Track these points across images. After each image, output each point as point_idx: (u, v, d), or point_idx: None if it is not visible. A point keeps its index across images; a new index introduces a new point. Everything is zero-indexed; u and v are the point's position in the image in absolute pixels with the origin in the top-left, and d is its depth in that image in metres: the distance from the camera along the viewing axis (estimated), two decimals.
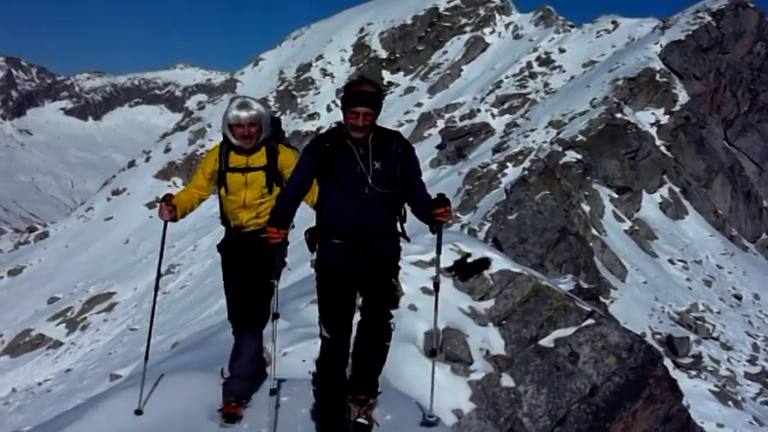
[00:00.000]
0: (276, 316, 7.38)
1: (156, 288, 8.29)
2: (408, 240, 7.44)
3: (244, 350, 7.78)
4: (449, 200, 6.97)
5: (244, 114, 7.46)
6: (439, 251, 7.74)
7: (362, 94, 6.85)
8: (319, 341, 7.18)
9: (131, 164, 76.07)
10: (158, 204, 7.83)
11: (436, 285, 7.65)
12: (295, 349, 10.30)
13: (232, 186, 7.67)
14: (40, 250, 64.27)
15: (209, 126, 71.43)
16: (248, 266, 7.75)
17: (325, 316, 7.05)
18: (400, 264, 7.47)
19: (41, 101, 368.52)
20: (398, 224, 7.22)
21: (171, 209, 7.64)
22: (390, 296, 7.54)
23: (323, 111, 69.25)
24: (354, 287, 7.13)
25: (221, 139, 7.91)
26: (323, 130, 70.18)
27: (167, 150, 71.69)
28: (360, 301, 7.30)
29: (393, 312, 7.45)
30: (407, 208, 7.20)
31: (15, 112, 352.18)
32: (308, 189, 7.20)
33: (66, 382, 39.64)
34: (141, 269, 52.83)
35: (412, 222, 7.39)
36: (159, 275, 8.35)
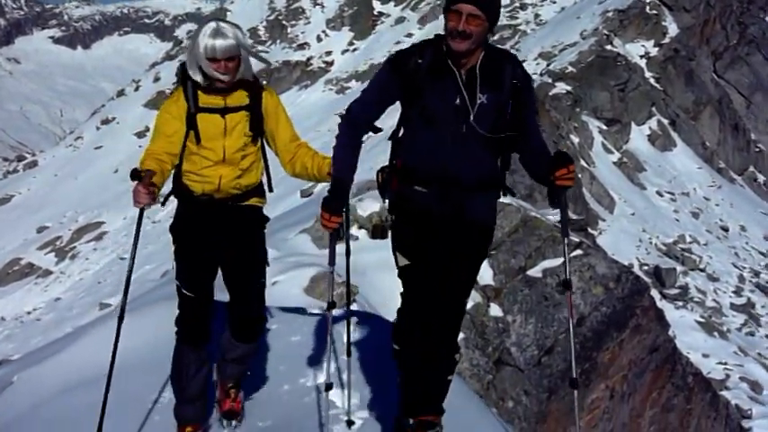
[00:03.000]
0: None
1: (123, 310, 5.66)
2: (514, 194, 5.79)
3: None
4: (572, 158, 5.13)
5: (220, 44, 5.23)
6: (565, 232, 5.56)
7: None
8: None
9: (120, 93, 75.65)
10: (133, 185, 5.18)
11: (566, 283, 5.48)
12: (285, 278, 10.25)
13: (207, 132, 5.44)
14: (29, 179, 64.17)
15: None
16: (231, 253, 5.71)
17: (409, 244, 5.41)
18: None
19: (30, 29, 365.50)
20: (501, 177, 5.46)
21: (150, 189, 5.19)
22: (469, 287, 5.60)
23: (313, 41, 68.66)
24: (448, 240, 5.32)
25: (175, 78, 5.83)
26: (312, 60, 69.91)
27: (156, 80, 71.26)
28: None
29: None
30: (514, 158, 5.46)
31: (3, 40, 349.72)
32: (384, 110, 5.45)
33: (55, 311, 39.76)
34: (130, 199, 52.47)
35: None
36: (131, 274, 5.62)
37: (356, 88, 59.51)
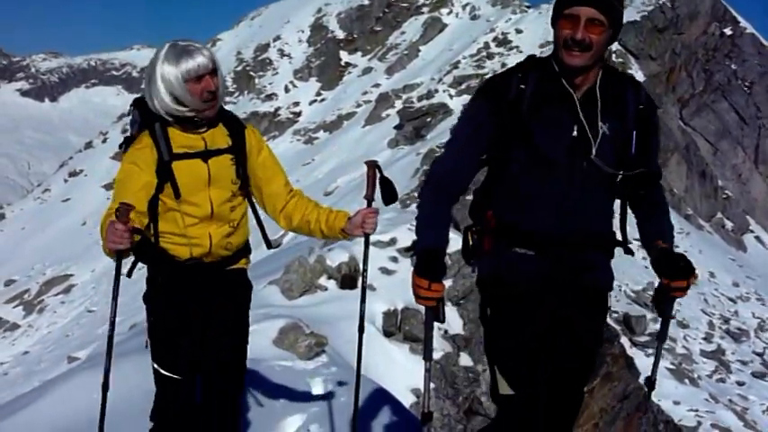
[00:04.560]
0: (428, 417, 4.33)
1: (110, 349, 4.62)
2: (632, 254, 4.37)
3: None
4: (693, 266, 3.97)
5: (199, 58, 4.18)
6: (663, 338, 4.41)
7: None
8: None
9: (88, 145, 75.54)
10: (110, 223, 3.97)
11: (650, 383, 4.45)
12: (258, 328, 10.09)
13: (189, 183, 4.32)
14: None
15: None
16: (215, 321, 4.65)
17: (512, 366, 4.13)
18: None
19: None
20: (619, 228, 4.26)
21: (127, 229, 3.96)
22: (593, 359, 4.40)
23: (281, 92, 68.84)
24: (548, 323, 4.10)
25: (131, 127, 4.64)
26: (280, 111, 69.89)
27: (124, 131, 71.13)
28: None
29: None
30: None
31: None
32: (477, 170, 4.20)
33: (23, 364, 39.43)
34: (99, 251, 51.63)
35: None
36: (113, 330, 4.59)
37: (323, 138, 59.69)
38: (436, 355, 12.45)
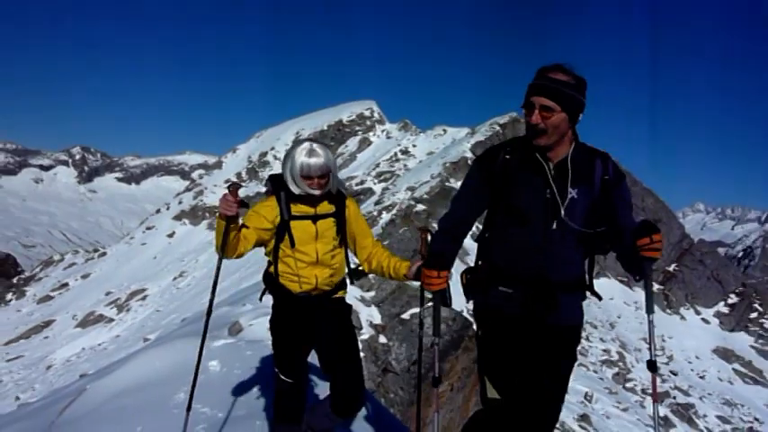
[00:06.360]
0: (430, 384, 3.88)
1: (209, 313, 4.50)
2: (600, 299, 3.48)
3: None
4: (657, 227, 3.19)
5: (314, 162, 3.86)
6: (650, 309, 3.42)
7: (545, 79, 3.17)
8: None
9: (158, 211, 73.81)
10: (223, 195, 3.79)
11: (652, 365, 3.43)
12: (260, 321, 9.82)
13: (301, 237, 3.99)
14: (101, 263, 62.13)
15: (206, 188, 69.93)
16: (329, 339, 4.12)
17: (498, 374, 3.41)
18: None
19: (102, 172, 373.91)
20: (587, 275, 3.49)
21: (235, 201, 3.76)
22: (563, 387, 3.45)
23: None
24: (530, 344, 3.38)
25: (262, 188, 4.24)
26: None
27: (180, 203, 69.94)
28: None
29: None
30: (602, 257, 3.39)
31: (87, 179, 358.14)
32: (475, 218, 3.58)
33: (115, 343, 38.40)
34: (163, 274, 51.70)
35: None
36: (213, 296, 4.59)
37: None
38: (366, 336, 12.45)
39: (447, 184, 42.58)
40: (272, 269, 4.09)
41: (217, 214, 3.82)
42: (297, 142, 3.93)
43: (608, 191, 3.32)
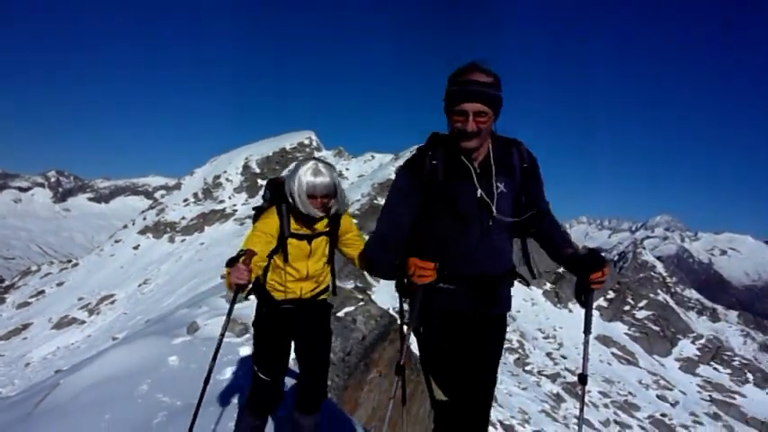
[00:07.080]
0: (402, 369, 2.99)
1: (222, 338, 3.58)
2: (528, 284, 3.08)
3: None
4: (606, 260, 2.82)
5: (320, 181, 3.36)
6: (588, 330, 3.04)
7: (471, 84, 2.70)
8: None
9: (125, 226, 70.79)
10: (234, 266, 3.12)
11: (582, 378, 2.95)
12: (215, 321, 9.59)
13: (295, 255, 3.53)
14: (74, 272, 59.07)
15: (167, 206, 67.55)
16: (306, 335, 3.68)
17: (446, 373, 2.90)
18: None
19: (76, 193, 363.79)
20: (524, 261, 3.08)
21: (248, 270, 3.11)
22: (494, 383, 3.06)
23: (226, 198, 66.65)
24: (474, 336, 2.94)
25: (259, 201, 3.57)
26: (227, 208, 68.66)
27: (144, 219, 67.32)
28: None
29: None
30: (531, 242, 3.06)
31: (61, 199, 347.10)
32: (408, 224, 2.92)
33: (87, 342, 36.66)
34: (130, 282, 49.59)
35: None
36: (224, 334, 3.55)
37: (249, 223, 58.53)
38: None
39: (375, 201, 42.75)
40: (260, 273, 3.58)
41: (222, 276, 3.36)
42: (302, 161, 3.44)
43: (527, 176, 2.94)
